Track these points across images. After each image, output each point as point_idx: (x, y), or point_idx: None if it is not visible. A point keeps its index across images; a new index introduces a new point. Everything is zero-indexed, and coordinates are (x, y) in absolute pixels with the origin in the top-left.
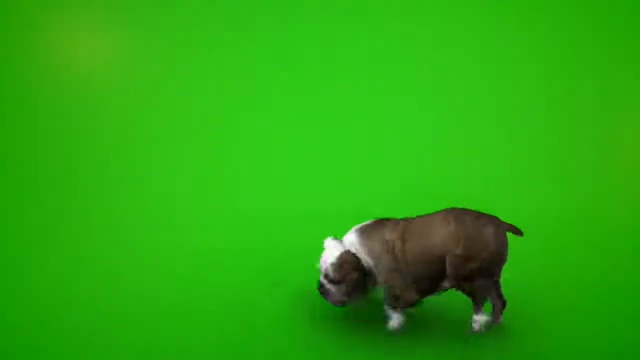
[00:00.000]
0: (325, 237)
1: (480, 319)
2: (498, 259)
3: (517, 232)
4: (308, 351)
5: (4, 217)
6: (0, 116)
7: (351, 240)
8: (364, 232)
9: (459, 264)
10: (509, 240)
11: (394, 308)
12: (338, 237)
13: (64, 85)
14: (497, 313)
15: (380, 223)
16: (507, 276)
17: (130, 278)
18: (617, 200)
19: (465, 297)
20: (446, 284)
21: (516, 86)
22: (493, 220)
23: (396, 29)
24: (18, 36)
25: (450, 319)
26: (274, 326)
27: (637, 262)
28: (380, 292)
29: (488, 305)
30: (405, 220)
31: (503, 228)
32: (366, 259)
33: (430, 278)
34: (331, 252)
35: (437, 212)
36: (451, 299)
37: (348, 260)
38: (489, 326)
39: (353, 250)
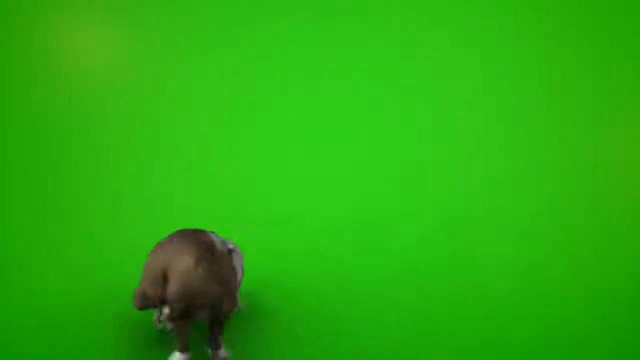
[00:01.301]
0: (323, 238)
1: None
2: (183, 297)
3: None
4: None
5: (4, 216)
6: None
7: None
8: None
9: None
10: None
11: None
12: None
13: (64, 84)
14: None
15: (176, 234)
16: (508, 279)
17: (131, 278)
18: (618, 201)
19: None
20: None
21: (517, 86)
22: (200, 252)
23: (396, 29)
24: (18, 36)
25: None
26: (272, 324)
27: (637, 263)
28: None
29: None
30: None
31: (207, 264)
32: None
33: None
34: None
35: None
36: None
37: None
38: None
39: None
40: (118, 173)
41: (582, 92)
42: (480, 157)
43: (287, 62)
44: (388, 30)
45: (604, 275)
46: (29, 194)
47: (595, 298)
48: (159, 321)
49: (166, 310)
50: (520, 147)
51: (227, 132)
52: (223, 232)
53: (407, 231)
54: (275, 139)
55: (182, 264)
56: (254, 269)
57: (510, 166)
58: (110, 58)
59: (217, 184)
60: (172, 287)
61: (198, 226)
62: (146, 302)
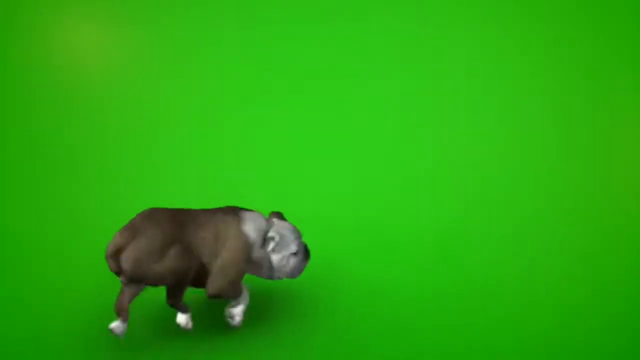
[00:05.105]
0: (323, 238)
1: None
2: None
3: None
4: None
5: (4, 215)
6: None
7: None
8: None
9: None
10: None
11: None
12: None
13: (64, 83)
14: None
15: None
16: (509, 277)
17: None
18: (618, 201)
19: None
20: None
21: (516, 87)
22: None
23: (396, 30)
24: (18, 36)
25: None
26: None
27: (637, 263)
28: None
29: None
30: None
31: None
32: None
33: None
34: None
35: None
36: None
37: None
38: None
39: None
40: (118, 173)
41: (582, 92)
42: (480, 158)
43: (288, 62)
44: (389, 31)
45: (605, 275)
46: (28, 192)
47: (598, 300)
48: None
49: None
50: (520, 147)
51: (227, 131)
52: None
53: (406, 231)
54: (274, 139)
55: None
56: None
57: (510, 167)
58: (109, 57)
59: (219, 183)
60: None
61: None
62: None
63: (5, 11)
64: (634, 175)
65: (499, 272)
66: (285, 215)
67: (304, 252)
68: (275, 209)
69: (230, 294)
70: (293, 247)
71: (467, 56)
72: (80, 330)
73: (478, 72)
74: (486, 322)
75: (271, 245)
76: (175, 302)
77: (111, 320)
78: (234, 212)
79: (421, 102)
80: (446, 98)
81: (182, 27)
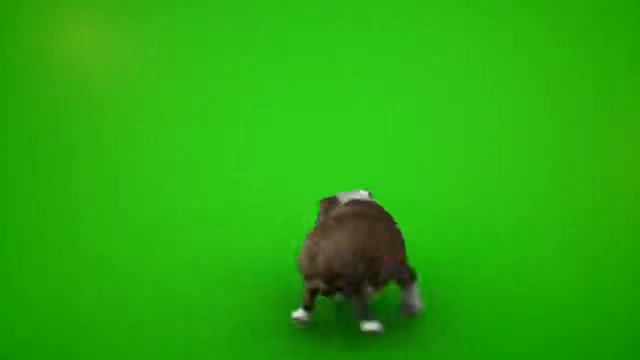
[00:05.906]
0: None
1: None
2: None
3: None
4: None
5: (3, 215)
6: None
7: None
8: None
9: None
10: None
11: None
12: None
13: (64, 83)
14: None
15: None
16: (506, 277)
17: (129, 280)
18: (617, 201)
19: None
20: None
21: (516, 86)
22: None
23: (396, 30)
24: (18, 36)
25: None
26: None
27: (637, 263)
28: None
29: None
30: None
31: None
32: None
33: None
34: None
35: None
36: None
37: None
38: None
39: None
40: (118, 173)
41: (582, 92)
42: (480, 156)
43: (289, 62)
44: (389, 30)
45: (605, 275)
46: (28, 192)
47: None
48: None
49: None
50: (520, 147)
51: (227, 131)
52: (222, 233)
53: (404, 231)
54: (274, 138)
55: None
56: (253, 270)
57: (509, 166)
58: (110, 57)
59: (219, 183)
60: None
61: (199, 223)
62: None
63: (5, 11)
64: (634, 175)
65: (498, 272)
66: (287, 215)
67: None
68: (276, 209)
69: (406, 270)
70: None
71: (467, 56)
72: (79, 330)
73: (478, 72)
74: (486, 320)
75: None
76: (310, 299)
77: (111, 320)
78: (371, 206)
79: (420, 102)
80: (446, 98)
81: (182, 27)
